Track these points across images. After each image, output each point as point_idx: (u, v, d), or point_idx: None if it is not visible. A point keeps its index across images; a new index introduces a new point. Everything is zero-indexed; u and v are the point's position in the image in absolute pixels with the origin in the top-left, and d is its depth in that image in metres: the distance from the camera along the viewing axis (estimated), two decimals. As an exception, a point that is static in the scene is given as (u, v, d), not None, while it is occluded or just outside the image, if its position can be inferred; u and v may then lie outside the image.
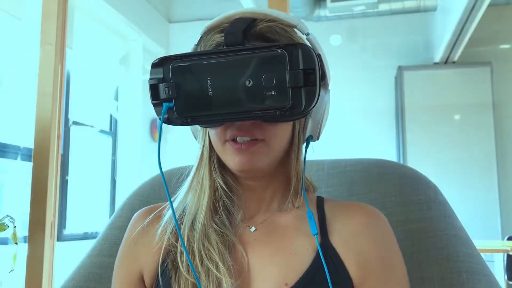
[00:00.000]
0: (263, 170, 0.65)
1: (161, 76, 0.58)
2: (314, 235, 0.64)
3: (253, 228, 0.69)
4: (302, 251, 0.65)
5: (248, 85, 0.55)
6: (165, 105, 0.58)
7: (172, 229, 0.68)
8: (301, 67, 0.55)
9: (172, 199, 0.68)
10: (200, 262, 0.63)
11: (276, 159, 0.65)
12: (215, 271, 0.62)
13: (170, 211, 0.69)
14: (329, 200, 0.73)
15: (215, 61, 0.56)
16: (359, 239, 0.66)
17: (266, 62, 0.55)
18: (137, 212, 0.75)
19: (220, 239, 0.65)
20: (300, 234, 0.67)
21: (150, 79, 0.59)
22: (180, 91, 0.57)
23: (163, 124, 0.59)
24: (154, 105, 0.59)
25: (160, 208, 0.73)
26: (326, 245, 0.65)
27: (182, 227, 0.67)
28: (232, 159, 0.63)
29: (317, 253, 0.64)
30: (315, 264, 0.63)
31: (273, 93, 0.55)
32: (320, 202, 0.72)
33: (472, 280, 0.77)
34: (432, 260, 0.80)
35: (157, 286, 0.67)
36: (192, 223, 0.67)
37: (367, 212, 0.69)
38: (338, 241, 0.66)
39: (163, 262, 0.67)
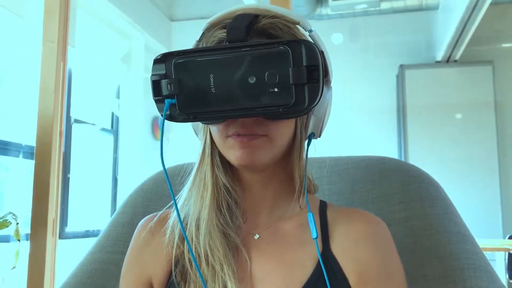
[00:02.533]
0: (265, 165, 0.65)
1: (163, 72, 0.58)
2: (314, 239, 0.64)
3: (257, 236, 0.68)
4: (304, 261, 0.65)
5: (251, 81, 0.55)
6: (167, 101, 0.58)
7: (179, 232, 0.67)
8: (304, 63, 0.55)
9: (176, 197, 0.68)
10: (206, 263, 0.63)
11: (278, 155, 0.65)
12: (220, 273, 0.62)
13: (175, 212, 0.69)
14: (331, 206, 0.73)
15: (217, 58, 0.56)
16: (359, 248, 0.66)
17: (269, 59, 0.55)
18: (142, 220, 0.75)
19: (224, 240, 0.65)
20: (302, 243, 0.67)
21: (152, 75, 0.59)
22: (182, 87, 0.57)
23: (165, 121, 0.59)
24: (156, 101, 0.59)
25: (165, 208, 0.73)
26: (326, 253, 0.65)
27: (188, 227, 0.67)
28: (234, 153, 0.62)
29: (318, 262, 0.64)
30: (316, 274, 0.64)
31: (276, 90, 0.55)
32: (322, 207, 0.71)
33: (475, 277, 0.77)
34: (435, 257, 0.80)
35: None
36: (196, 222, 0.66)
37: (368, 220, 0.69)
38: (338, 249, 0.66)
39: (172, 271, 0.66)
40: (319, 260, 0.63)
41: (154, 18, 4.51)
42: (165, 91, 0.58)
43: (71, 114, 3.40)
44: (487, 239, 3.36)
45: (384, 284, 0.64)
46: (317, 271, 0.64)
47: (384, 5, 4.24)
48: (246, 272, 0.65)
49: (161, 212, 0.73)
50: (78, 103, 3.45)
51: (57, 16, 1.54)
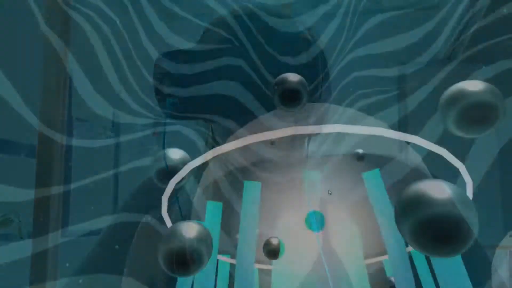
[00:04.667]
0: None
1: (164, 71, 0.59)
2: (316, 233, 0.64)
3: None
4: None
5: None
6: (168, 100, 0.59)
7: None
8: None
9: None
10: None
11: None
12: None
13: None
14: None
15: None
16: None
17: None
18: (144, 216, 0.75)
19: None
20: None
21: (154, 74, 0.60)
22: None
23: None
24: (158, 100, 0.60)
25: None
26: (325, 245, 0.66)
27: None
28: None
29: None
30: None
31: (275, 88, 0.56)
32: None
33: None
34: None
35: None
36: None
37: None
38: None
39: None
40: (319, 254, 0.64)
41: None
42: (166, 90, 0.59)
43: (72, 114, 3.40)
44: (487, 237, 3.35)
45: None
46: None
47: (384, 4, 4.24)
48: None
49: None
50: (79, 103, 3.45)
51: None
